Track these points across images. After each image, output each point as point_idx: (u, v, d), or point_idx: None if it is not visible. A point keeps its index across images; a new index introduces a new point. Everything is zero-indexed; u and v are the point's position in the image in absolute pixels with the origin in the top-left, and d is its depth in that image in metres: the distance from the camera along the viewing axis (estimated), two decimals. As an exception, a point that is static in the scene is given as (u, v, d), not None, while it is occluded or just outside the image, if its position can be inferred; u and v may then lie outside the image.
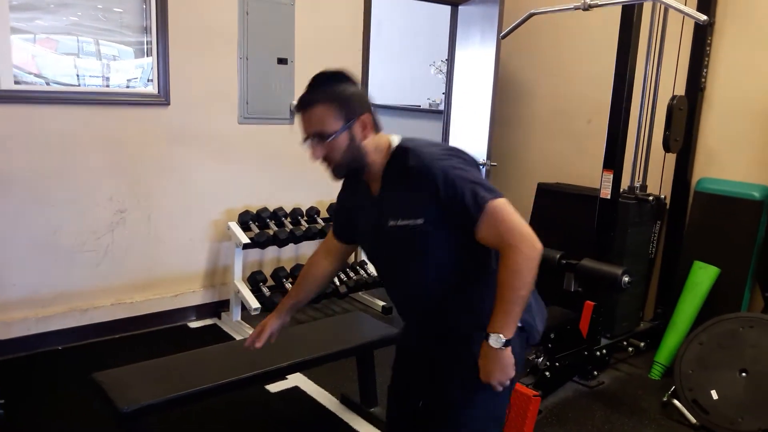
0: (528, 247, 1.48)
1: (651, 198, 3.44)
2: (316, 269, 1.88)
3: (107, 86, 3.46)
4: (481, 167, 1.67)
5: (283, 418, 2.82)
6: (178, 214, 3.67)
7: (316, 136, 1.54)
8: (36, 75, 3.29)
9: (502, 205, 1.49)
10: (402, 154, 1.56)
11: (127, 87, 3.55)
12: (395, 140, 1.61)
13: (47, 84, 3.29)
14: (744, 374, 2.87)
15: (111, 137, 3.38)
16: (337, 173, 1.60)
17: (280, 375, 2.59)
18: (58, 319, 3.31)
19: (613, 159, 3.14)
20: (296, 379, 3.04)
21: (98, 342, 3.43)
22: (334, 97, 1.53)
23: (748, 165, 3.44)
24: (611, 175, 3.15)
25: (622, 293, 3.08)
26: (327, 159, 1.57)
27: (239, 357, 2.36)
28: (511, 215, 1.48)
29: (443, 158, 1.52)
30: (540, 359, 3.06)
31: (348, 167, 1.58)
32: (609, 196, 3.17)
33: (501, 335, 1.49)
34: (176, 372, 2.27)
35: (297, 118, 1.60)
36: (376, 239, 1.65)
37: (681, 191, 3.65)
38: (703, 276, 3.42)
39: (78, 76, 3.39)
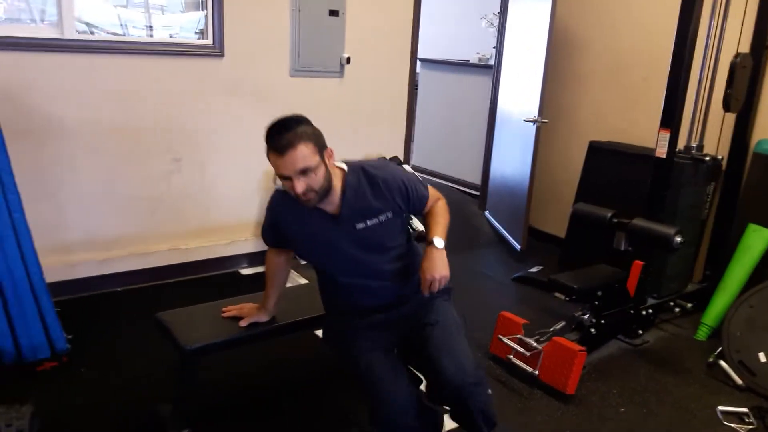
0: (444, 200, 2.18)
1: (707, 158, 3.37)
2: (276, 266, 2.24)
3: (151, 36, 3.51)
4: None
5: (330, 360, 2.92)
6: (231, 164, 3.75)
7: (302, 172, 1.80)
8: (87, 24, 3.35)
9: (426, 183, 2.14)
10: (360, 171, 1.98)
11: (170, 37, 3.59)
12: (343, 165, 1.99)
13: (91, 33, 3.34)
14: (795, 338, 2.85)
15: (167, 87, 3.44)
16: (316, 200, 1.87)
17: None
18: (117, 263, 3.45)
19: (670, 118, 3.06)
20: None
21: (155, 285, 3.57)
22: (308, 135, 1.81)
23: (812, 126, 3.32)
24: (668, 135, 3.08)
25: (674, 254, 3.05)
26: (310, 190, 1.83)
27: (291, 302, 2.45)
28: (432, 187, 2.16)
29: (395, 167, 2.11)
30: (586, 316, 3.08)
31: (324, 194, 1.87)
32: (664, 156, 3.11)
33: (442, 240, 2.01)
34: (234, 314, 2.37)
35: (277, 160, 1.83)
36: (337, 248, 1.99)
37: (739, 152, 3.55)
38: (756, 239, 3.35)
39: (122, 25, 3.44)
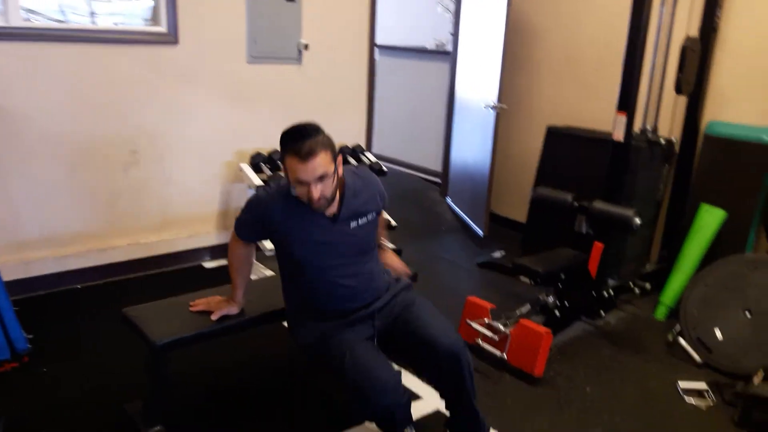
0: None
1: (662, 141, 3.46)
2: (243, 256, 2.23)
3: (94, 23, 3.38)
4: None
5: (297, 351, 2.91)
6: (190, 156, 3.67)
7: (320, 179, 1.88)
8: (27, 11, 3.20)
9: None
10: (354, 175, 2.12)
11: (115, 25, 3.47)
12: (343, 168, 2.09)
13: (27, 20, 3.20)
14: (748, 314, 2.97)
15: (121, 76, 3.34)
16: (326, 206, 1.96)
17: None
18: (76, 259, 3.35)
19: (627, 101, 3.14)
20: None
21: (116, 281, 3.48)
22: (326, 144, 1.90)
23: (758, 108, 3.44)
24: (624, 118, 3.16)
25: (633, 235, 3.13)
26: (324, 195, 1.91)
27: (259, 294, 2.42)
28: None
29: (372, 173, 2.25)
30: (550, 299, 3.14)
31: (332, 200, 1.97)
32: (622, 139, 3.18)
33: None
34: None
35: (299, 165, 1.87)
36: (330, 246, 2.05)
37: (691, 134, 3.66)
38: (709, 219, 3.47)
39: (62, 12, 3.30)
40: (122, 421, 2.30)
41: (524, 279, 3.04)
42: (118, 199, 3.46)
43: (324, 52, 4.06)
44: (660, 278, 3.65)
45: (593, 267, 3.27)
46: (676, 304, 3.43)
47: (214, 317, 2.20)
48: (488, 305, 2.98)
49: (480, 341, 2.92)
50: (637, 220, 2.97)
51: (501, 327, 2.89)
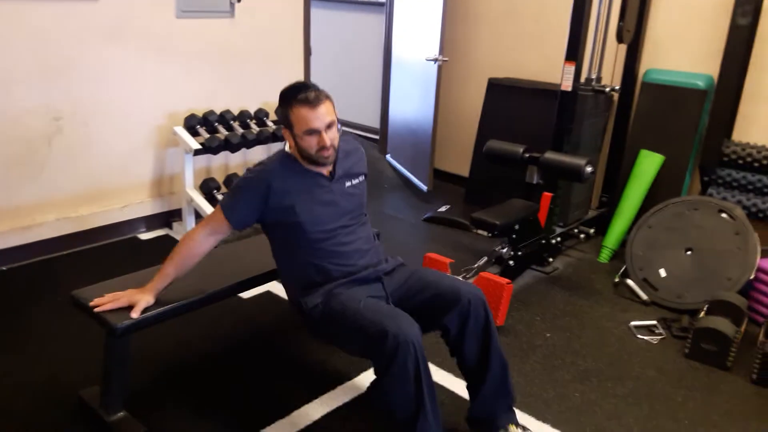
0: None
1: (608, 90, 3.51)
2: (200, 249, 2.02)
3: None
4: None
5: (256, 321, 2.82)
6: (119, 120, 3.41)
7: (330, 126, 1.95)
8: None
9: None
10: (342, 139, 2.11)
11: None
12: None
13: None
14: (689, 252, 3.11)
15: (37, 35, 3.02)
16: (333, 157, 2.01)
17: (258, 284, 2.51)
18: (-1, 238, 3.08)
19: (575, 51, 3.15)
20: (267, 284, 3.00)
21: (46, 260, 3.23)
22: (327, 95, 1.97)
23: (693, 55, 3.55)
24: (572, 67, 3.17)
25: (584, 183, 3.19)
26: (334, 144, 1.97)
27: (211, 268, 2.27)
28: None
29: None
30: (504, 250, 3.17)
31: (336, 152, 2.01)
32: (570, 89, 3.20)
33: None
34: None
35: (310, 113, 1.92)
36: (336, 206, 2.05)
37: (629, 82, 3.74)
38: (648, 164, 3.59)
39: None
40: (80, 410, 2.15)
41: (481, 232, 3.04)
42: (42, 171, 3.18)
43: (257, 3, 3.84)
44: (602, 223, 3.77)
45: (542, 216, 3.32)
46: (618, 246, 3.56)
47: (134, 314, 1.92)
48: (447, 260, 2.97)
49: (441, 297, 2.92)
50: (589, 169, 3.02)
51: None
